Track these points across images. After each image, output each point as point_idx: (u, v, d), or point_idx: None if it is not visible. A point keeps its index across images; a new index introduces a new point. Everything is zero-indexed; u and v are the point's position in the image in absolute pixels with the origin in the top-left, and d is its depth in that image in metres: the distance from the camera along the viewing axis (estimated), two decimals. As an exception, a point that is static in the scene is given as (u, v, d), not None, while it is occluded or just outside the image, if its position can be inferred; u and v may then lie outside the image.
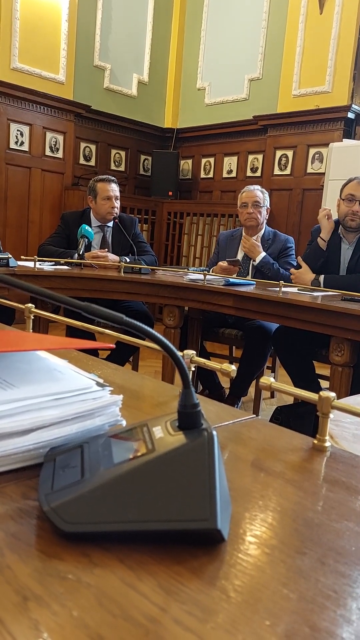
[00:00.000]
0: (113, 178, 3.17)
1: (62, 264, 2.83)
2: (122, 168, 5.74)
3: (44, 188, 4.99)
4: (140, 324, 0.42)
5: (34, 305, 1.12)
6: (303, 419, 2.21)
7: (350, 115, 4.54)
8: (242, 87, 5.32)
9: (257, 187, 3.10)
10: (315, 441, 0.61)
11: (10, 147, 4.72)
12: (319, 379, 2.60)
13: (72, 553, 0.37)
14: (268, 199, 3.11)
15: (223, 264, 2.91)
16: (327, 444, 0.61)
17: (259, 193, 3.05)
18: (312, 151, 4.77)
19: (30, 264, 2.64)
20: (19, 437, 0.47)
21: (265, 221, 3.12)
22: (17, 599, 0.33)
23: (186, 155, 5.89)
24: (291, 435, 0.65)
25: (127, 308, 2.93)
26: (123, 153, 5.74)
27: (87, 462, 0.44)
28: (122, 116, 5.55)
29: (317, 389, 0.64)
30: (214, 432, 0.43)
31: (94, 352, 1.69)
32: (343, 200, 2.68)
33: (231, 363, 2.06)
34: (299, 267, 2.77)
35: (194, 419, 0.44)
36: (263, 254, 2.87)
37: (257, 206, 3.03)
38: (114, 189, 3.10)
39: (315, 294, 2.43)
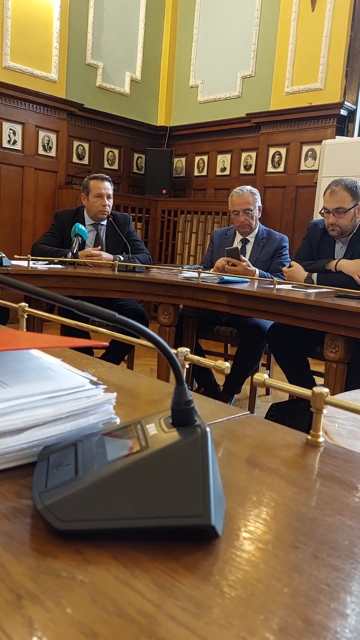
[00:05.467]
0: (107, 176, 3.16)
1: (56, 263, 2.82)
2: (115, 166, 5.73)
3: (38, 187, 4.98)
4: (132, 322, 0.42)
5: (27, 304, 1.12)
6: (298, 415, 2.21)
7: (343, 112, 4.55)
8: (235, 84, 5.32)
9: (247, 188, 3.05)
10: (309, 437, 0.61)
11: (3, 146, 4.70)
12: (313, 376, 2.61)
13: (66, 551, 0.38)
14: (259, 197, 3.08)
15: (222, 261, 2.81)
16: (321, 439, 0.61)
17: (249, 197, 3.01)
18: (305, 148, 4.77)
19: (24, 263, 2.64)
20: (12, 436, 0.47)
21: (258, 220, 3.11)
22: (11, 597, 0.33)
23: (180, 153, 5.89)
24: (285, 431, 0.65)
25: (122, 306, 2.93)
26: (116, 151, 5.73)
27: (81, 460, 0.44)
28: (115, 114, 5.54)
29: (311, 385, 0.64)
30: (208, 429, 0.43)
31: (89, 350, 1.69)
32: (321, 212, 2.67)
33: (226, 360, 2.05)
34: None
35: (188, 416, 0.44)
36: (256, 271, 2.83)
37: (249, 213, 3.02)
38: (107, 187, 3.10)
39: (309, 290, 2.43)
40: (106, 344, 0.71)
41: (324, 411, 0.61)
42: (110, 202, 3.11)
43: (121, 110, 5.60)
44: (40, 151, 4.96)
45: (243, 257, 2.81)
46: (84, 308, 0.43)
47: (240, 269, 2.74)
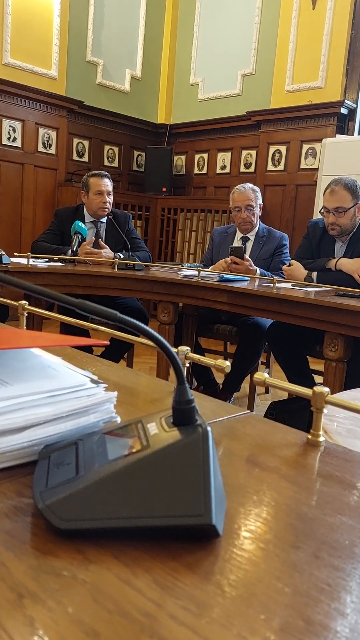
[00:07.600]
0: (106, 173, 3.16)
1: (56, 261, 2.82)
2: (115, 164, 5.72)
3: (37, 184, 4.97)
4: (134, 321, 0.42)
5: (27, 302, 1.12)
6: (297, 414, 2.21)
7: (343, 110, 4.55)
8: (235, 82, 5.31)
9: (249, 185, 3.07)
10: (310, 436, 0.61)
11: (3, 143, 4.70)
12: (313, 375, 2.61)
13: (67, 550, 0.37)
14: (260, 195, 3.10)
15: (223, 263, 2.80)
16: (321, 438, 0.61)
17: (251, 194, 3.02)
18: (305, 147, 4.77)
19: (24, 261, 2.63)
20: (13, 435, 0.47)
21: (258, 218, 3.12)
22: (12, 596, 0.33)
23: (180, 151, 5.88)
24: (285, 430, 0.65)
25: (122, 305, 2.93)
26: (116, 149, 5.72)
27: (82, 459, 0.44)
28: (115, 112, 5.53)
29: (311, 384, 0.64)
30: (209, 428, 0.43)
31: (88, 349, 1.68)
32: (321, 211, 2.66)
33: (226, 359, 2.04)
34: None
35: (189, 415, 0.44)
36: (257, 270, 2.84)
37: (251, 209, 3.02)
38: (106, 184, 3.09)
39: (309, 289, 2.43)
40: (107, 342, 0.71)
41: (324, 410, 0.61)
42: (110, 200, 3.11)
43: (121, 107, 5.59)
44: (40, 148, 4.96)
45: (247, 257, 2.81)
46: (86, 307, 0.42)
47: (243, 268, 2.75)
